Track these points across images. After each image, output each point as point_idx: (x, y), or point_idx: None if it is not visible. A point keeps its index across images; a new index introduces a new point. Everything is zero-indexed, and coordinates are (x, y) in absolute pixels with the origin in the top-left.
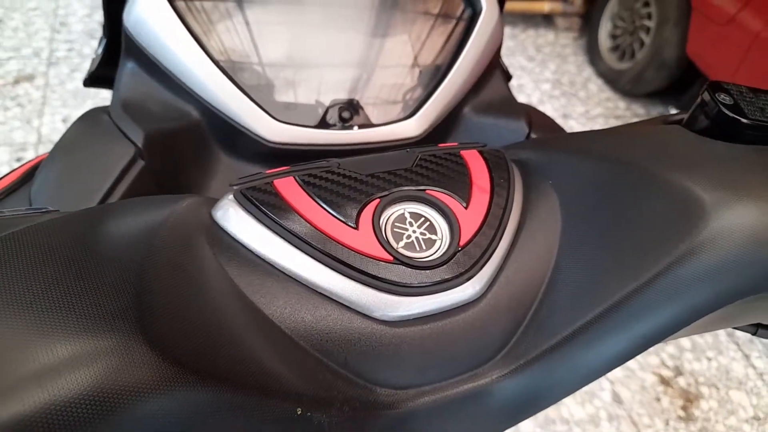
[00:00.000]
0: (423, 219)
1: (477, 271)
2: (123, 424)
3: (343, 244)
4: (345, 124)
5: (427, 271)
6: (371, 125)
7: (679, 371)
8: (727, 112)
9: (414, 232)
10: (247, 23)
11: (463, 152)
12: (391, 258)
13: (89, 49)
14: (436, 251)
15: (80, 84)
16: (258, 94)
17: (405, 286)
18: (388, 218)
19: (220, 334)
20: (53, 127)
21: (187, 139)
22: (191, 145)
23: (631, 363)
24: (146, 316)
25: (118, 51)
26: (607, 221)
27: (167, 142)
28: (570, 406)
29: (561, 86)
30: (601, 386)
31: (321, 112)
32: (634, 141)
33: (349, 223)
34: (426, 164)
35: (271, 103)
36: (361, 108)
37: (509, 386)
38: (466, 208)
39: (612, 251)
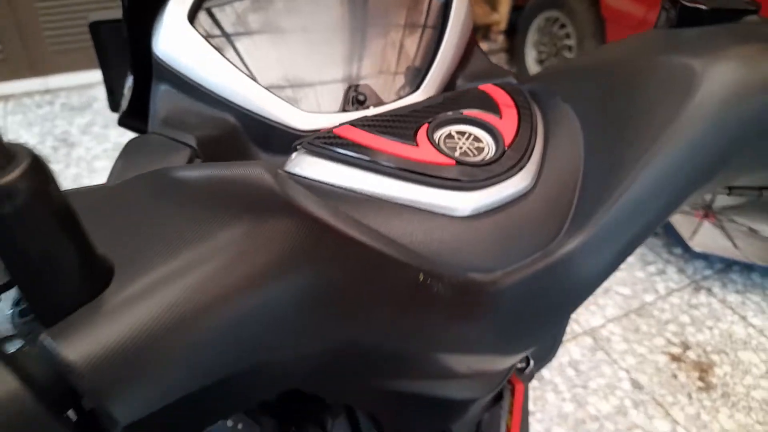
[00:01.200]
0: (468, 134)
1: (525, 163)
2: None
3: (411, 159)
4: (362, 105)
5: (487, 167)
6: (384, 103)
7: (686, 346)
8: (688, 4)
9: (464, 144)
10: (247, 50)
11: (480, 86)
12: (453, 162)
13: None
14: (487, 154)
15: None
16: (280, 93)
17: (472, 181)
18: (439, 137)
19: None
20: None
21: (226, 143)
22: (231, 148)
23: (639, 348)
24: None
25: (144, 88)
26: (619, 108)
27: (211, 146)
28: (595, 403)
29: None
30: (618, 377)
31: (340, 98)
32: (622, 45)
33: (410, 143)
34: (454, 98)
35: (294, 99)
36: (372, 90)
37: (576, 257)
38: (500, 118)
39: (629, 129)
